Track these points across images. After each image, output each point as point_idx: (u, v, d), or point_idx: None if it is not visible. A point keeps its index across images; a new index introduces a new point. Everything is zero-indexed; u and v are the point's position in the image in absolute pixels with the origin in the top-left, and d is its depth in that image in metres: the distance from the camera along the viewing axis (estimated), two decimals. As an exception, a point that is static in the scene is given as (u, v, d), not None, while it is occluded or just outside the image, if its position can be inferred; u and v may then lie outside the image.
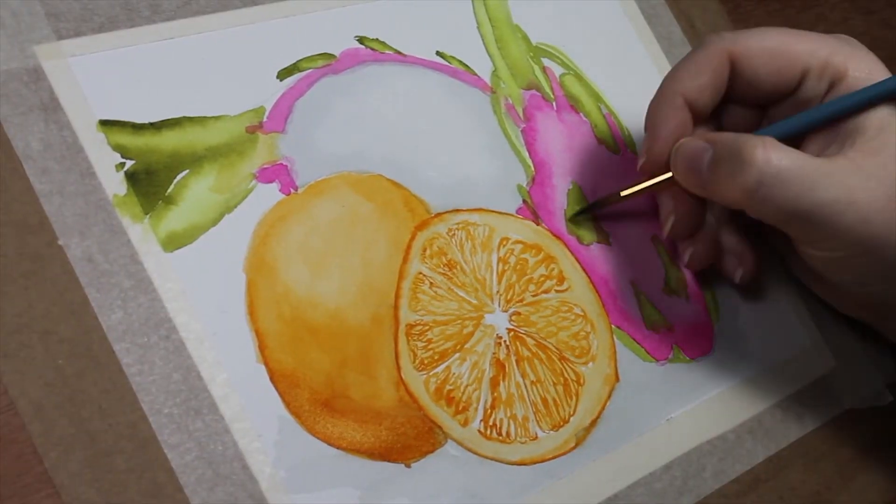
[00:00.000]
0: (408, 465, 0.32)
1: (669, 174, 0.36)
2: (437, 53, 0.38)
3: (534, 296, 0.36)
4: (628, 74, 0.43)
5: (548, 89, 0.41)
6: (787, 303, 0.42)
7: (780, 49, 0.36)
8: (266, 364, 0.31)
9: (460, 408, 0.33)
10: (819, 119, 0.35)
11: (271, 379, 0.31)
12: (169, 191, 0.31)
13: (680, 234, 0.38)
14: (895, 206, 0.32)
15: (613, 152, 0.41)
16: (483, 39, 0.40)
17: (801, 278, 0.41)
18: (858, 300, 0.39)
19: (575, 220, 0.38)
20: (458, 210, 0.36)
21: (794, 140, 0.35)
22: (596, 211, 0.39)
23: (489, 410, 0.34)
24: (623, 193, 0.37)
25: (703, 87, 0.36)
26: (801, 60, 0.36)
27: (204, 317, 0.30)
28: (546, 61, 0.41)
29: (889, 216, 0.32)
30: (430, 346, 0.34)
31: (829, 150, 0.34)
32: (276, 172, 0.33)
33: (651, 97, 0.37)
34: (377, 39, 0.37)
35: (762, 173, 0.32)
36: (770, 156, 0.32)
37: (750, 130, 0.37)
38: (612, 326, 0.37)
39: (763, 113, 0.39)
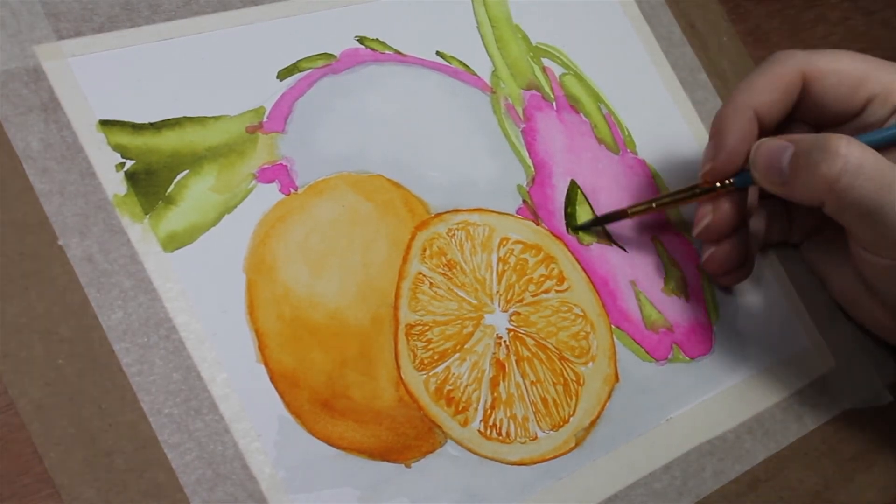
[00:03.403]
0: (408, 465, 0.32)
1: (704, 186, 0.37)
2: (437, 53, 0.38)
3: (534, 296, 0.36)
4: (628, 74, 0.43)
5: (548, 89, 0.41)
6: (787, 303, 0.42)
7: (850, 73, 0.37)
8: (266, 364, 0.31)
9: (460, 408, 0.33)
10: (890, 137, 0.36)
11: (271, 379, 0.31)
12: (169, 191, 0.31)
13: (709, 238, 0.38)
14: None
15: (613, 152, 0.41)
16: (483, 39, 0.40)
17: (839, 297, 0.42)
18: None
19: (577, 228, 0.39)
20: (457, 210, 0.36)
21: None
22: (603, 224, 0.39)
23: (489, 410, 0.34)
24: (655, 205, 0.38)
25: (774, 102, 0.37)
26: (868, 86, 0.37)
27: (204, 317, 0.30)
28: (546, 61, 0.41)
29: None
30: (429, 347, 0.34)
31: None
32: (276, 172, 0.33)
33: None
34: (377, 39, 0.37)
35: (847, 163, 0.33)
36: (853, 149, 0.33)
37: None
38: (612, 326, 0.37)
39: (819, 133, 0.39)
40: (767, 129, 0.38)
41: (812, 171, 0.33)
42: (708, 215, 0.38)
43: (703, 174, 0.38)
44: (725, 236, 0.38)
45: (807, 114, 0.39)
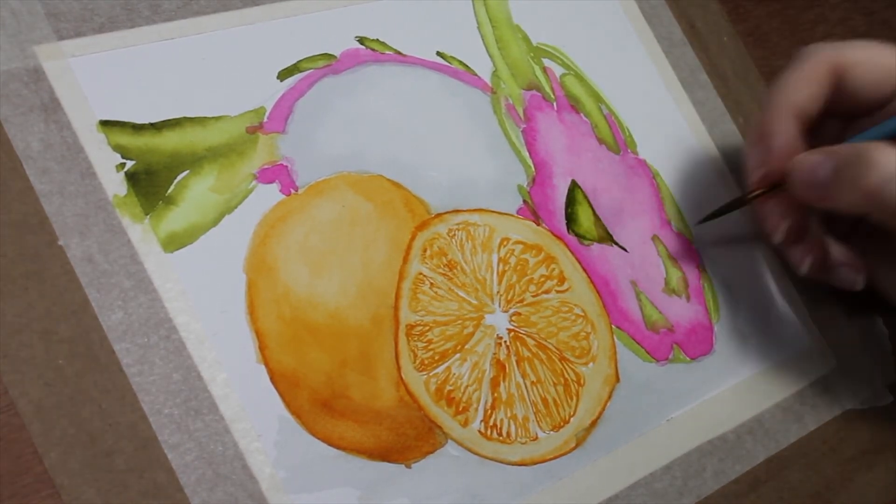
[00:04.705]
0: (408, 466, 0.32)
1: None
2: (438, 53, 0.38)
3: (534, 296, 0.36)
4: (629, 74, 0.43)
5: (548, 89, 0.41)
6: (788, 303, 0.42)
7: (879, 61, 0.37)
8: (266, 364, 0.31)
9: (461, 408, 0.33)
10: None
11: (271, 379, 0.31)
12: (169, 191, 0.31)
13: (791, 239, 0.39)
14: None
15: (614, 152, 0.41)
16: (483, 40, 0.40)
17: (886, 288, 0.41)
18: None
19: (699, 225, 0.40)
20: (458, 210, 0.36)
21: None
22: (717, 216, 0.40)
23: (489, 411, 0.34)
24: (748, 198, 0.38)
25: (812, 98, 0.37)
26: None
27: (204, 317, 0.30)
28: (546, 61, 0.41)
29: None
30: (430, 347, 0.34)
31: None
32: (277, 173, 0.33)
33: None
34: (377, 40, 0.37)
35: (886, 172, 0.33)
36: (891, 157, 0.33)
37: (838, 142, 0.38)
38: (613, 327, 0.37)
39: (848, 125, 0.40)
40: (807, 125, 0.38)
41: (853, 183, 0.34)
42: (784, 219, 0.38)
43: (753, 182, 0.38)
44: (806, 234, 0.38)
45: (838, 106, 0.39)
